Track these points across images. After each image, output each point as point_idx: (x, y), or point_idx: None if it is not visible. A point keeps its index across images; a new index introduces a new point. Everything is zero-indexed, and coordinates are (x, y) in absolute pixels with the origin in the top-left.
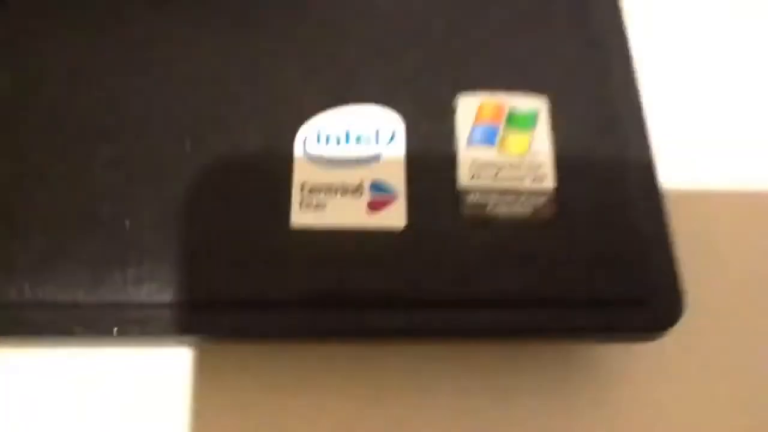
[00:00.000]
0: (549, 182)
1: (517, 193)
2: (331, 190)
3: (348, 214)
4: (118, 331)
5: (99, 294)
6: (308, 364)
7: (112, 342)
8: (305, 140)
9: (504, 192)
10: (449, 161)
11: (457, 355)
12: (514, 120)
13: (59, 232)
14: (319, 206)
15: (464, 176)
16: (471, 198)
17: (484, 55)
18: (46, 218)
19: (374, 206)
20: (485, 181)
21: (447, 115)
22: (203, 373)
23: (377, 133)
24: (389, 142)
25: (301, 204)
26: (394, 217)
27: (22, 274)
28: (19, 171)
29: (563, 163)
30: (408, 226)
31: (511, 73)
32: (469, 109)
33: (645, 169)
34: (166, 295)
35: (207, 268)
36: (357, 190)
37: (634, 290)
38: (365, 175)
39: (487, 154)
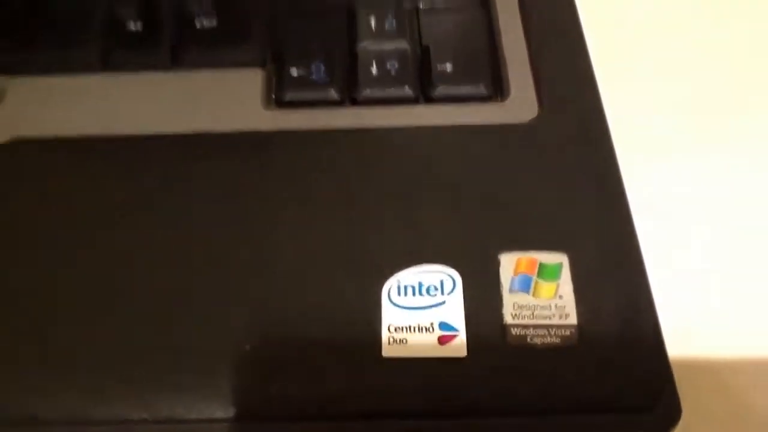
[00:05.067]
0: (572, 319)
1: (548, 328)
2: (410, 329)
3: (424, 347)
4: None
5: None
6: None
7: None
8: (389, 292)
9: (538, 327)
10: (496, 304)
11: None
12: (543, 272)
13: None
14: (402, 342)
15: (508, 316)
16: (514, 332)
17: (516, 218)
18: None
19: (442, 341)
20: (524, 320)
21: (492, 268)
22: None
23: (441, 284)
24: (451, 291)
25: (389, 340)
26: (458, 348)
27: (77, 392)
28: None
29: (582, 303)
30: (468, 355)
31: (539, 231)
32: (509, 263)
33: (644, 301)
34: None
35: (302, 387)
36: (429, 328)
37: (641, 399)
38: (435, 317)
39: (524, 298)
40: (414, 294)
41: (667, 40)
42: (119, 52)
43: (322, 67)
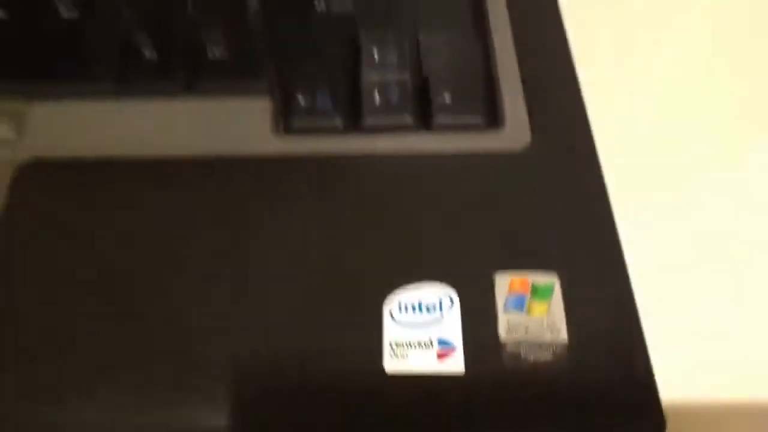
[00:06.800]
0: (563, 336)
1: (541, 344)
2: (410, 345)
3: (423, 362)
4: None
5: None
6: None
7: None
8: (390, 309)
9: (532, 344)
10: (492, 322)
11: None
12: (536, 292)
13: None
14: (403, 357)
15: (503, 332)
16: (509, 348)
17: (510, 240)
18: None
19: (441, 356)
20: (518, 336)
21: (487, 287)
22: None
23: (440, 302)
24: (449, 309)
25: (390, 355)
26: (456, 364)
27: (76, 395)
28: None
29: (572, 320)
30: (466, 371)
31: (531, 252)
32: (503, 283)
33: (630, 317)
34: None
35: (308, 403)
36: (429, 344)
37: (628, 420)
38: (433, 333)
39: (518, 316)
40: (414, 311)
41: (654, 62)
42: (135, 79)
43: (328, 96)
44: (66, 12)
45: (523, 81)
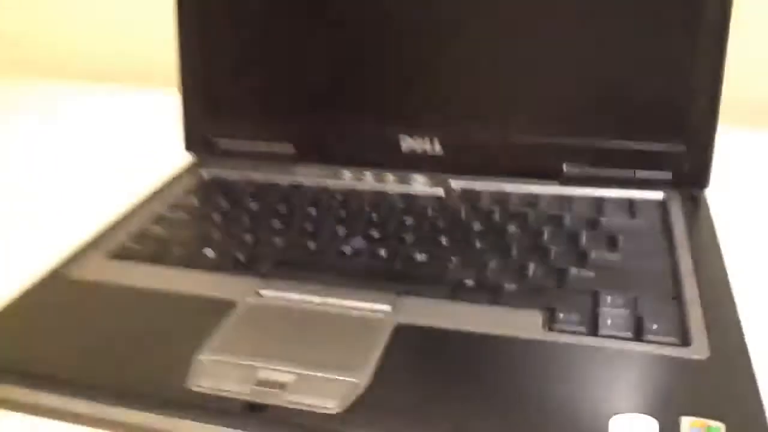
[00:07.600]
0: None
1: None
2: None
3: None
4: None
5: None
6: None
7: None
8: (620, 425)
9: None
10: None
11: None
12: (710, 429)
13: None
14: None
15: None
16: None
17: (694, 402)
18: None
19: None
20: None
21: (677, 426)
22: None
23: (654, 428)
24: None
25: None
26: None
27: None
28: None
29: None
30: None
31: (707, 410)
32: (687, 422)
33: None
34: None
35: None
36: None
37: None
38: None
39: None
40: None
41: None
42: (463, 295)
43: (577, 315)
44: (419, 257)
45: (703, 312)
